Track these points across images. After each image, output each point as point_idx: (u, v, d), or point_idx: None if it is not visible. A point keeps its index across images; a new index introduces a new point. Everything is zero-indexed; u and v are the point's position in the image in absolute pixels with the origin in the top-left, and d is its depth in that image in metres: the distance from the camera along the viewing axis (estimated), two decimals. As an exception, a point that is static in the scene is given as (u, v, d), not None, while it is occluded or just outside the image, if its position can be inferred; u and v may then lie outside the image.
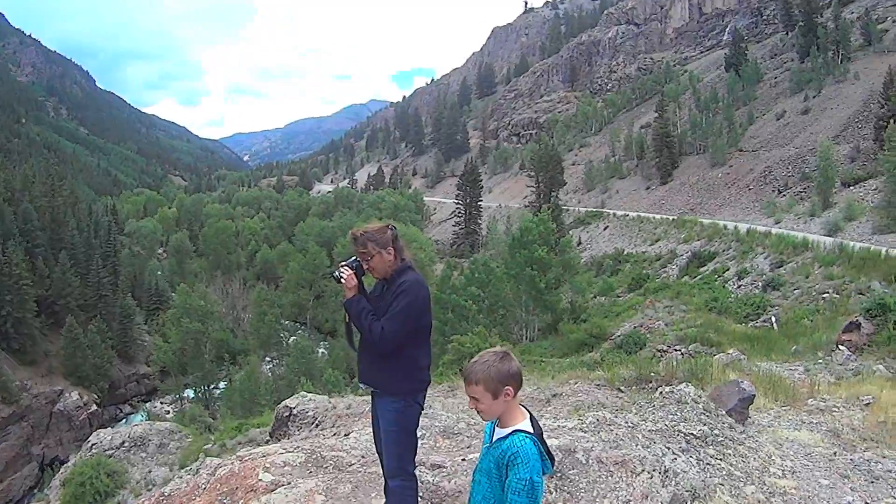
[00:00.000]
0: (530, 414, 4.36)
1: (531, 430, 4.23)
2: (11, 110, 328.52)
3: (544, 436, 4.35)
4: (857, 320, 20.59)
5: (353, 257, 5.99)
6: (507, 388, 4.18)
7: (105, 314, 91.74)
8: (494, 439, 4.38)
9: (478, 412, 4.34)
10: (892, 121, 61.41)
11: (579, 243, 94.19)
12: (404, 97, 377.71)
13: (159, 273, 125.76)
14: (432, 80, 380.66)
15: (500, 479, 4.23)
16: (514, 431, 4.22)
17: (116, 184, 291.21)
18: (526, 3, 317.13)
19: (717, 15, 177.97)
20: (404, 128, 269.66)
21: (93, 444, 32.82)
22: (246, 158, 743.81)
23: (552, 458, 4.32)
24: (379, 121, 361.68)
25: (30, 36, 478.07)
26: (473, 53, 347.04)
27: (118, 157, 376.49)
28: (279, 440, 14.73)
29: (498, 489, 4.26)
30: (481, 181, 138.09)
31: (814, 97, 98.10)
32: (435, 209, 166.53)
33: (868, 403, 11.72)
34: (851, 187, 68.27)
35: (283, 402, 16.69)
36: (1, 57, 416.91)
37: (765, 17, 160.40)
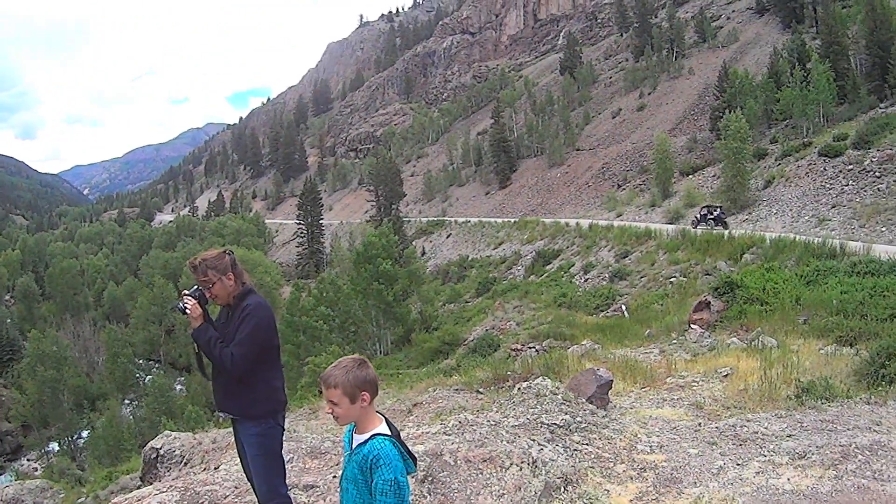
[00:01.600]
0: (385, 419, 4.29)
1: (389, 433, 4.18)
2: None
3: (406, 441, 4.36)
4: (706, 299, 21.20)
5: (195, 286, 5.79)
6: (364, 393, 4.13)
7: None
8: (354, 445, 4.27)
9: (334, 417, 4.23)
10: (727, 111, 64.46)
11: (423, 253, 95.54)
12: (240, 119, 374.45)
13: (8, 321, 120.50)
14: (268, 99, 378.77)
15: (366, 483, 4.13)
16: (372, 436, 4.15)
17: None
18: (361, 17, 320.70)
19: (551, 21, 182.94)
20: (242, 150, 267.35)
21: None
22: (86, 192, 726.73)
23: (413, 458, 4.26)
24: (217, 144, 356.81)
25: None
26: (309, 70, 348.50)
27: None
28: (151, 483, 13.73)
29: (366, 494, 4.15)
30: (321, 199, 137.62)
31: (649, 94, 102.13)
32: (277, 231, 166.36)
33: (727, 375, 12.22)
34: (690, 176, 70.80)
35: (149, 444, 15.85)
36: None
37: (599, 21, 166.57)
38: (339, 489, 6.51)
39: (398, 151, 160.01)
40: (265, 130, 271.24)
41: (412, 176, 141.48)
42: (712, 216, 50.33)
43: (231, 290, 5.62)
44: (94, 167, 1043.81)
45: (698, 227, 49.76)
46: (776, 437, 8.85)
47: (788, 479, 7.61)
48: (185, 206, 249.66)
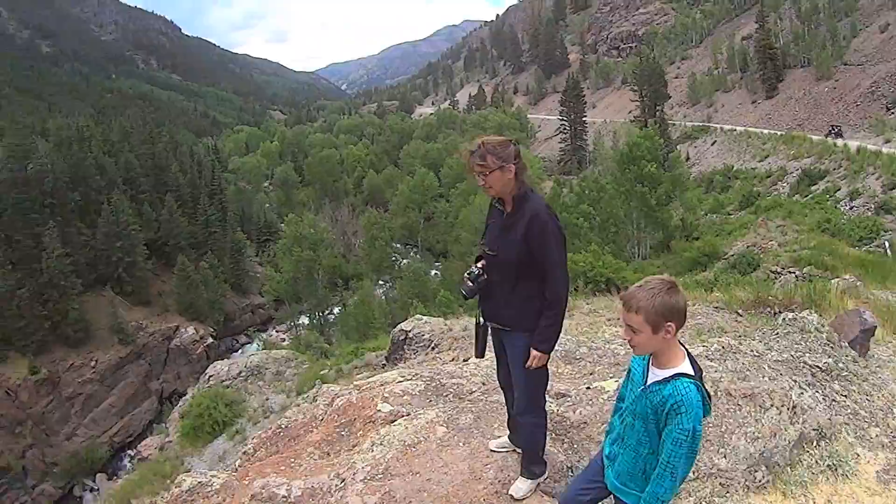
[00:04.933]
0: (689, 353, 4.05)
1: (692, 374, 3.95)
2: (100, 68, 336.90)
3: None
4: None
5: (474, 269, 5.60)
6: (669, 323, 3.83)
7: (216, 250, 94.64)
8: (650, 382, 4.07)
9: (631, 345, 4.01)
10: None
11: (687, 159, 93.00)
12: (497, 15, 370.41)
13: (267, 206, 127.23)
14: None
15: (656, 424, 4.01)
16: (675, 375, 3.94)
17: (216, 124, 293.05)
18: None
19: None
20: (501, 46, 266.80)
21: (210, 376, 34.30)
22: (344, 88, 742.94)
23: (710, 399, 4.04)
24: (474, 41, 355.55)
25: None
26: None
27: (214, 99, 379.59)
28: (395, 364, 15.36)
29: (654, 434, 4.05)
30: (584, 97, 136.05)
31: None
32: (539, 126, 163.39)
33: None
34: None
35: (399, 326, 16.93)
36: (82, 20, 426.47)
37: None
38: (593, 404, 7.32)
39: (661, 52, 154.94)
40: (523, 27, 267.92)
41: (676, 78, 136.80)
42: None
43: (508, 184, 5.37)
44: (350, 65, 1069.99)
45: None
46: None
47: None
48: (445, 100, 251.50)
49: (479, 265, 5.62)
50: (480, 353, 6.07)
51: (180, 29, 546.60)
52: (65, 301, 75.42)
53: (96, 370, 76.64)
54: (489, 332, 5.90)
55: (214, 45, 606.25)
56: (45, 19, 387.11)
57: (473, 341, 6.12)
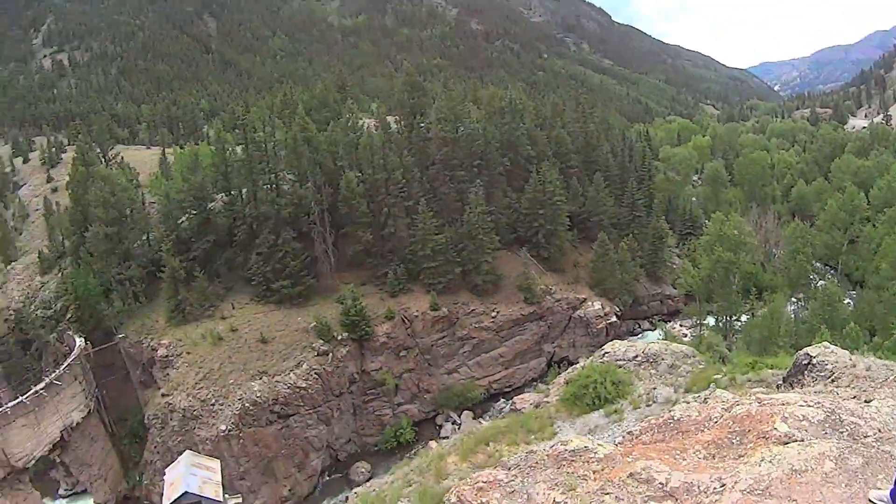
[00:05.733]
0: None
1: None
2: (532, 48, 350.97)
3: None
4: None
5: None
6: None
7: (637, 234, 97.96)
8: None
9: None
10: None
11: None
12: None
13: (693, 200, 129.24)
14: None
15: None
16: None
17: (647, 112, 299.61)
18: None
19: None
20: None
21: (605, 353, 35.95)
22: (776, 88, 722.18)
23: None
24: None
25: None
26: None
27: (646, 87, 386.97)
28: (792, 387, 15.69)
29: None
30: None
31: None
32: None
33: None
34: None
35: (804, 350, 17.17)
36: (510, 1, 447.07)
37: None
38: None
39: None
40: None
41: None
42: None
43: None
44: (782, 64, 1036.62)
45: None
46: None
47: None
48: (878, 113, 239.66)
49: None
50: None
51: (610, 16, 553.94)
52: (479, 253, 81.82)
53: (495, 320, 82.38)
54: None
55: (644, 33, 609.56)
56: (474, 0, 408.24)
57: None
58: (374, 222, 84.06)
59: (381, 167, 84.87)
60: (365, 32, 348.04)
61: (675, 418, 9.44)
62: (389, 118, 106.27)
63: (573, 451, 9.19)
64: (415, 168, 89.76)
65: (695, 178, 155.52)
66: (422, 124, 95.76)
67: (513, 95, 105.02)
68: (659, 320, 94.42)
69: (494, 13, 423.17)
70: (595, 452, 8.76)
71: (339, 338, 75.95)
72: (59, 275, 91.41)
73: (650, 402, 28.70)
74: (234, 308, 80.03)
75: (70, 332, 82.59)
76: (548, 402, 34.57)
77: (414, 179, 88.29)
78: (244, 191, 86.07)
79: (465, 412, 79.35)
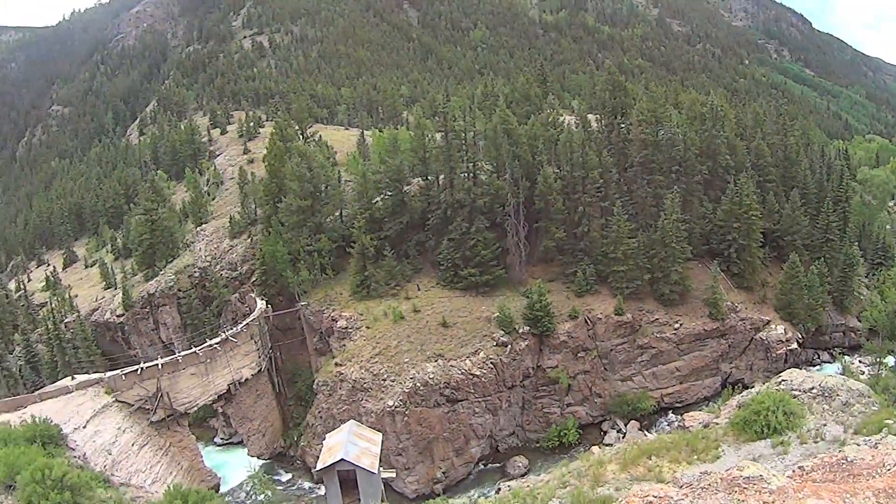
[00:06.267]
0: None
1: None
2: (733, 53, 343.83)
3: None
4: None
5: None
6: None
7: (828, 258, 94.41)
8: None
9: None
10: None
11: None
12: None
13: (888, 227, 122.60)
14: None
15: None
16: None
17: (847, 128, 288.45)
18: None
19: None
20: None
21: (782, 380, 35.79)
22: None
23: None
24: None
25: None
26: None
27: (847, 102, 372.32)
28: None
29: None
30: None
31: None
32: None
33: None
34: None
35: None
36: (711, 3, 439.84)
37: None
38: None
39: None
40: None
41: None
42: None
43: None
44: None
45: None
46: None
47: None
48: None
49: None
50: None
51: (811, 23, 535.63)
52: (670, 261, 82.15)
53: (677, 332, 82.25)
54: None
55: (846, 43, 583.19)
56: (675, 1, 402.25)
57: None
58: (568, 220, 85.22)
59: (580, 165, 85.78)
60: (566, 28, 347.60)
61: (848, 459, 9.31)
62: (590, 116, 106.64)
63: (748, 478, 9.26)
64: (613, 169, 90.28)
65: (891, 203, 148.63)
66: (622, 125, 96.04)
67: (714, 102, 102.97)
68: (840, 353, 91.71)
69: (695, 15, 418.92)
70: (769, 483, 8.84)
71: (521, 331, 77.43)
72: (249, 240, 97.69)
73: (818, 439, 28.48)
74: (419, 289, 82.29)
75: (252, 295, 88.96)
76: (717, 424, 35.04)
77: (611, 180, 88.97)
78: (441, 177, 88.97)
79: (632, 422, 79.70)
